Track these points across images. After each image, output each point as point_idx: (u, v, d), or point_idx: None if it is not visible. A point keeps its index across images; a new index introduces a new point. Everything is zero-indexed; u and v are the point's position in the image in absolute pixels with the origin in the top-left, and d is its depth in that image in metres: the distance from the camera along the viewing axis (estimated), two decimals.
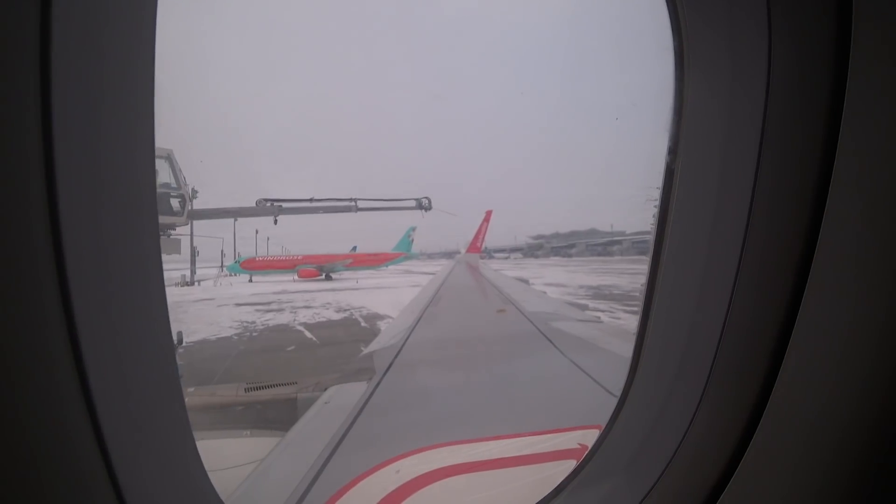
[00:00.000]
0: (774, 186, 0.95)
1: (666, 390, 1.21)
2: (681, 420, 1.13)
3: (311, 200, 16.40)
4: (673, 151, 1.12)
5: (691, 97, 1.07)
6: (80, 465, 0.68)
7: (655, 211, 1.18)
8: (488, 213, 31.18)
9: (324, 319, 21.90)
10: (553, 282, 30.88)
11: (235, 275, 41.39)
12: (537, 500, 1.31)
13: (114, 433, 0.70)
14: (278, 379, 7.58)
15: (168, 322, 0.84)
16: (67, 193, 0.63)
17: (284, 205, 15.97)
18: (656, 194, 1.17)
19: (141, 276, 0.78)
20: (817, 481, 0.87)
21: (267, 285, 36.60)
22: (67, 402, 0.65)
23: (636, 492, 1.19)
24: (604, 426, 1.38)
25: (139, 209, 0.75)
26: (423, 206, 19.21)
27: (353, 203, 17.04)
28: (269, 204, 15.51)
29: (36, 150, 0.60)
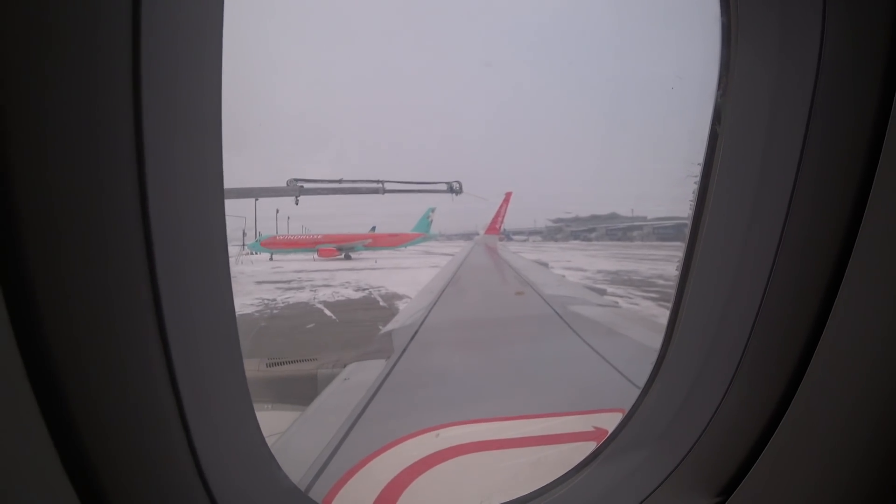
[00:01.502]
0: (820, 168, 0.92)
1: (697, 369, 1.20)
2: (711, 399, 1.13)
3: (340, 182, 16.45)
4: (716, 128, 1.08)
5: (738, 74, 1.03)
6: (168, 442, 0.75)
7: (695, 187, 1.15)
8: (508, 195, 30.94)
9: (343, 298, 22.16)
10: (572, 266, 30.62)
11: (256, 253, 41.97)
12: (561, 475, 1.33)
13: (193, 408, 0.76)
14: (299, 355, 7.73)
15: (233, 309, 0.90)
16: (155, 187, 0.67)
17: (313, 185, 16.06)
18: (697, 170, 1.15)
19: (213, 261, 0.82)
20: (845, 470, 0.86)
21: (287, 264, 37.12)
22: (157, 383, 0.72)
23: (659, 471, 1.19)
24: (626, 410, 1.39)
25: (212, 201, 0.80)
26: (453, 189, 19.12)
27: (380, 185, 17.03)
28: (300, 185, 15.62)
29: (129, 147, 0.64)
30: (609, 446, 1.34)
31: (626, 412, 1.38)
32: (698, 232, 1.16)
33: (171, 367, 0.72)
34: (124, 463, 0.70)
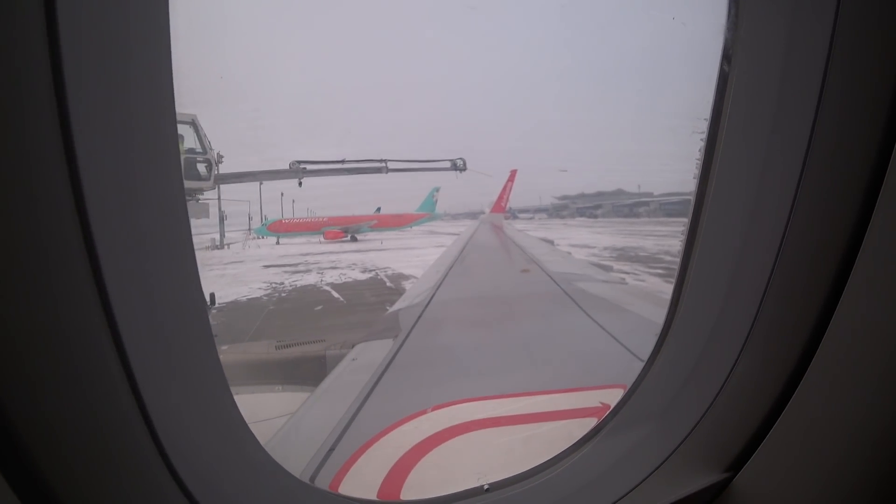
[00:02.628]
0: (839, 127, 0.88)
1: (704, 341, 1.18)
2: (718, 371, 1.11)
3: (342, 162, 16.33)
4: (720, 96, 1.04)
5: (745, 33, 0.98)
6: (126, 428, 0.71)
7: (700, 155, 1.11)
8: (513, 173, 30.63)
9: (350, 280, 22.29)
10: (578, 243, 30.50)
11: (263, 237, 42.10)
12: (562, 449, 1.34)
13: (151, 389, 0.73)
14: (307, 337, 7.82)
15: (199, 280, 0.85)
16: (89, 177, 0.63)
17: (316, 167, 15.97)
18: (703, 126, 1.10)
19: (172, 240, 0.79)
20: (865, 445, 0.83)
21: (294, 247, 37.23)
22: (106, 367, 0.68)
23: (666, 445, 1.19)
24: (628, 386, 1.38)
25: (165, 173, 0.76)
26: (457, 166, 18.93)
27: (383, 164, 16.89)
28: (302, 167, 15.53)
29: (55, 141, 0.60)
30: (611, 422, 1.33)
31: (629, 387, 1.38)
32: (704, 196, 1.11)
33: (125, 361, 0.69)
34: (77, 467, 0.67)
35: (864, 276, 0.84)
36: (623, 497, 1.16)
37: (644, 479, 1.18)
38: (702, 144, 1.11)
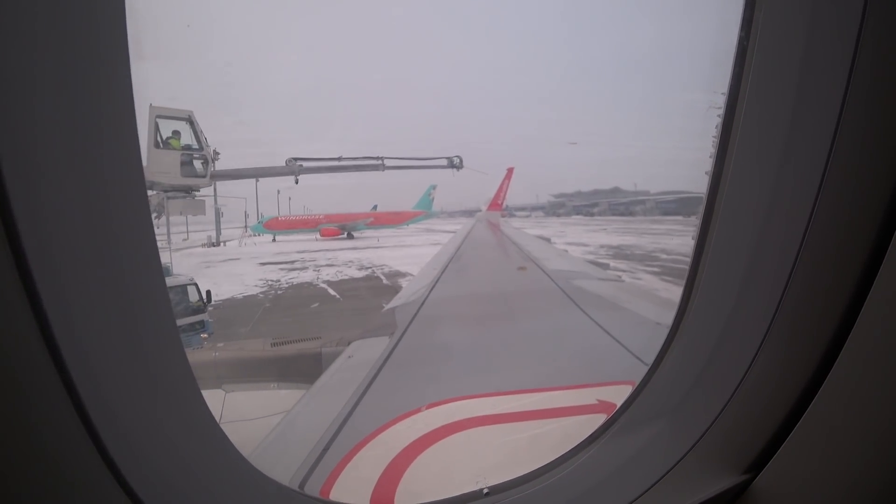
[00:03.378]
0: (861, 129, 0.82)
1: (719, 335, 1.12)
2: (735, 367, 1.05)
3: (339, 159, 16.33)
4: (736, 83, 0.98)
5: (765, 22, 0.93)
6: (63, 436, 0.64)
7: (714, 144, 1.05)
8: (510, 171, 30.69)
9: (346, 277, 22.28)
10: (574, 241, 30.59)
11: (259, 235, 42.07)
12: (567, 450, 1.28)
13: (91, 391, 0.66)
14: (303, 334, 7.80)
15: (163, 276, 0.79)
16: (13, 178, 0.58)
17: (313, 164, 15.96)
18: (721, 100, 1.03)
19: (132, 235, 0.73)
20: (878, 455, 0.79)
21: (290, 244, 37.21)
22: (38, 367, 0.62)
23: (678, 446, 1.13)
24: (636, 382, 1.33)
25: (124, 166, 0.71)
26: (454, 164, 18.98)
27: (380, 162, 16.89)
28: (299, 164, 15.52)
29: None
30: (618, 420, 1.28)
31: (637, 384, 1.33)
32: (718, 188, 1.05)
33: (59, 362, 0.62)
34: (11, 482, 0.60)
35: (891, 276, 0.79)
36: (633, 501, 1.10)
37: (656, 482, 1.12)
38: (716, 133, 1.05)
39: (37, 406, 0.62)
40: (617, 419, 1.29)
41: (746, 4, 0.96)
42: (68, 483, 0.65)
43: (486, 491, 1.17)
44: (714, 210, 1.08)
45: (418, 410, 2.48)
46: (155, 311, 0.77)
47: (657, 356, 1.26)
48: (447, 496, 1.19)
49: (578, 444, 1.28)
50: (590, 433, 1.31)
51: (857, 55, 0.81)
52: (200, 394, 0.85)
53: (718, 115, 1.04)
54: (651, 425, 1.23)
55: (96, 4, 0.66)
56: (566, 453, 1.27)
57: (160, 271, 0.78)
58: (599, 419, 1.35)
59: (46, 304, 0.61)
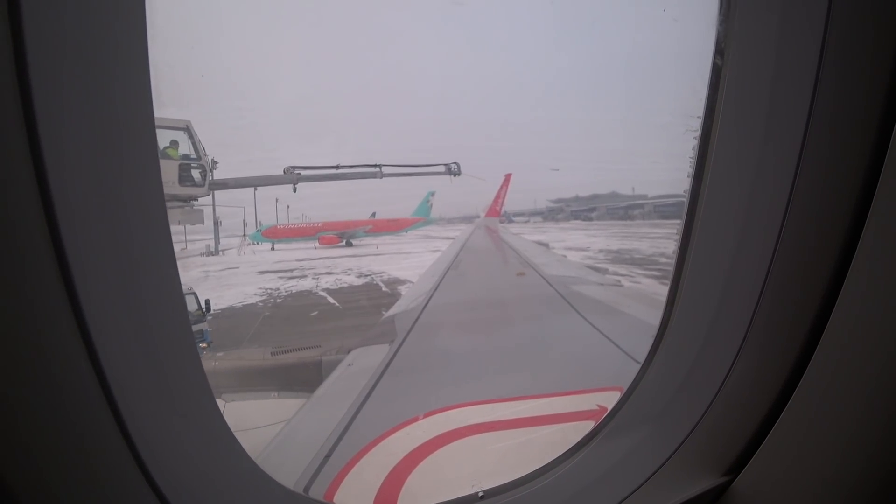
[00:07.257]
0: (832, 123, 0.86)
1: (700, 343, 1.16)
2: (715, 373, 1.10)
3: (337, 167, 16.33)
4: (713, 93, 1.03)
5: (738, 28, 0.98)
6: (101, 439, 0.69)
7: (695, 143, 1.09)
8: (507, 177, 30.68)
9: (346, 285, 22.23)
10: (573, 245, 30.59)
11: (258, 243, 41.96)
12: (558, 454, 1.32)
13: (128, 398, 0.71)
14: (303, 343, 7.81)
15: (180, 286, 0.83)
16: (58, 184, 0.62)
17: (310, 172, 15.96)
18: (696, 124, 1.09)
19: (151, 244, 0.77)
20: (865, 446, 0.82)
21: (289, 253, 37.12)
22: (79, 375, 0.66)
23: (663, 449, 1.18)
24: (625, 388, 1.37)
25: (143, 176, 0.74)
26: (452, 171, 18.95)
27: (377, 169, 16.89)
28: (297, 172, 15.52)
29: (22, 142, 0.59)
30: (607, 425, 1.33)
31: (625, 390, 1.37)
32: (699, 197, 1.10)
33: (99, 369, 0.66)
34: (50, 483, 0.64)
35: (860, 276, 0.82)
36: (620, 502, 1.15)
37: (641, 484, 1.17)
38: (695, 143, 1.10)
39: (80, 417, 0.67)
40: (606, 424, 1.33)
41: (719, 36, 1.02)
42: (105, 482, 0.71)
43: (481, 494, 1.20)
44: (692, 227, 1.14)
45: (416, 419, 2.50)
46: (177, 331, 0.83)
47: (643, 363, 1.31)
48: (445, 499, 1.22)
49: (569, 449, 1.33)
50: (580, 438, 1.35)
51: (818, 81, 0.86)
52: (215, 402, 0.92)
53: (695, 137, 1.10)
54: (638, 429, 1.27)
55: (118, 14, 0.69)
56: (558, 457, 1.31)
57: (180, 291, 0.83)
58: (591, 424, 1.39)
59: (88, 318, 0.66)
